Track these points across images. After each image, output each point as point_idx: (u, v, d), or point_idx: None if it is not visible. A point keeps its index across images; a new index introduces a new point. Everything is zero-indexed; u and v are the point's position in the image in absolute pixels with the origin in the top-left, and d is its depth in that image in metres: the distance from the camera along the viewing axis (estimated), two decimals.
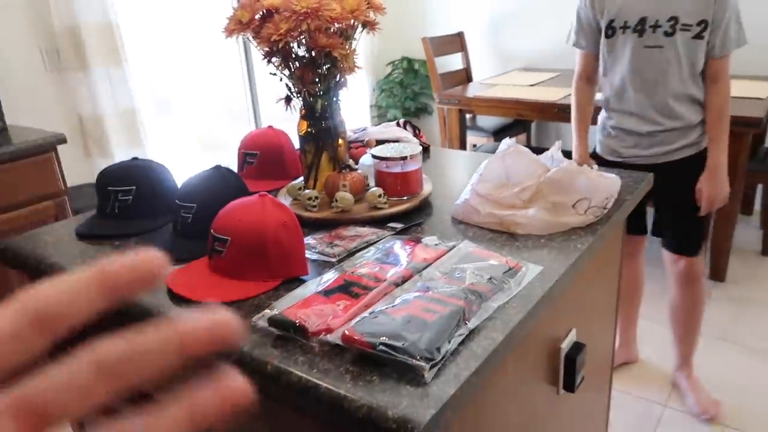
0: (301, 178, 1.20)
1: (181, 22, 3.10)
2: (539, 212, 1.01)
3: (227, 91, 3.43)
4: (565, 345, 1.01)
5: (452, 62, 3.74)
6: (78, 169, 2.54)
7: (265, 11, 1.04)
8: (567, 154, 1.12)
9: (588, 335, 1.13)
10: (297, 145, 1.22)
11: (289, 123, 1.21)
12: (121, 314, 0.85)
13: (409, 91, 4.12)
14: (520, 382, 0.89)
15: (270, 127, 1.36)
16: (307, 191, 1.11)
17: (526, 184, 1.06)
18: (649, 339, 2.25)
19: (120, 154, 2.60)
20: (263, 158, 1.31)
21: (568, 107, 2.67)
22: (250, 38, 1.06)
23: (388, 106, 4.13)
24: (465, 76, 3.72)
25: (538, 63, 3.76)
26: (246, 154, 1.32)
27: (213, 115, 3.37)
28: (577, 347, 1.03)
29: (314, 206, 1.09)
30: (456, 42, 3.71)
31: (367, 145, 1.36)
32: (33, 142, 1.97)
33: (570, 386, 1.03)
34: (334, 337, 0.69)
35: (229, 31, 1.05)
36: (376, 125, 1.46)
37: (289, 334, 0.73)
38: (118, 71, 2.57)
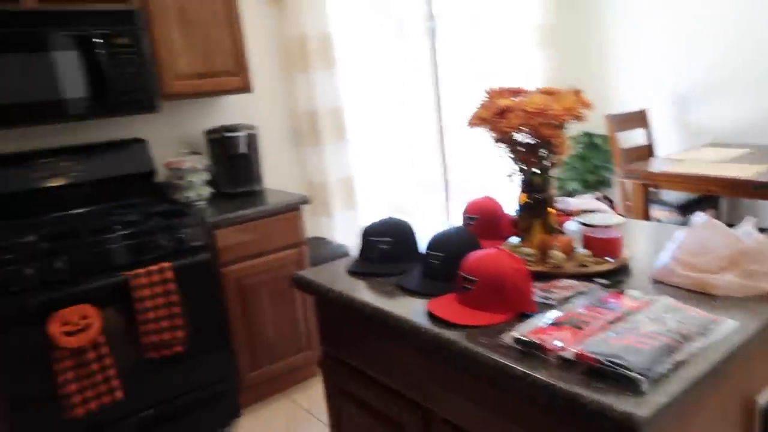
0: (513, 238, 1.47)
1: (387, 104, 3.65)
2: (736, 277, 1.17)
3: (424, 163, 3.92)
4: (762, 400, 1.13)
5: (633, 137, 3.83)
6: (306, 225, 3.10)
7: (500, 109, 1.36)
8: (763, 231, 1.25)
9: None
10: (510, 211, 1.50)
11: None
12: (391, 328, 1.18)
13: (589, 165, 4.26)
14: (716, 426, 1.04)
15: (487, 196, 1.66)
16: (525, 249, 1.38)
17: (722, 254, 1.22)
18: None
19: (338, 215, 3.11)
20: (481, 221, 1.61)
21: (765, 185, 2.66)
22: (488, 130, 1.38)
23: (567, 178, 4.30)
24: (647, 152, 3.78)
25: (729, 138, 3.70)
26: (468, 217, 1.63)
27: (408, 185, 3.85)
28: None
29: (531, 261, 1.36)
30: (638, 118, 3.81)
31: (571, 213, 1.60)
32: (286, 201, 2.51)
33: None
34: (568, 354, 0.93)
35: (472, 124, 1.39)
36: (559, 196, 1.67)
37: (530, 350, 0.98)
38: (342, 146, 3.12)
